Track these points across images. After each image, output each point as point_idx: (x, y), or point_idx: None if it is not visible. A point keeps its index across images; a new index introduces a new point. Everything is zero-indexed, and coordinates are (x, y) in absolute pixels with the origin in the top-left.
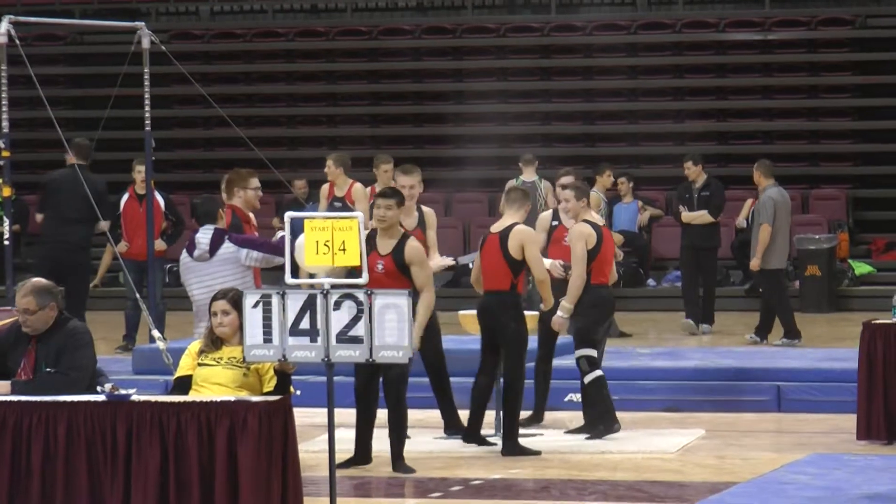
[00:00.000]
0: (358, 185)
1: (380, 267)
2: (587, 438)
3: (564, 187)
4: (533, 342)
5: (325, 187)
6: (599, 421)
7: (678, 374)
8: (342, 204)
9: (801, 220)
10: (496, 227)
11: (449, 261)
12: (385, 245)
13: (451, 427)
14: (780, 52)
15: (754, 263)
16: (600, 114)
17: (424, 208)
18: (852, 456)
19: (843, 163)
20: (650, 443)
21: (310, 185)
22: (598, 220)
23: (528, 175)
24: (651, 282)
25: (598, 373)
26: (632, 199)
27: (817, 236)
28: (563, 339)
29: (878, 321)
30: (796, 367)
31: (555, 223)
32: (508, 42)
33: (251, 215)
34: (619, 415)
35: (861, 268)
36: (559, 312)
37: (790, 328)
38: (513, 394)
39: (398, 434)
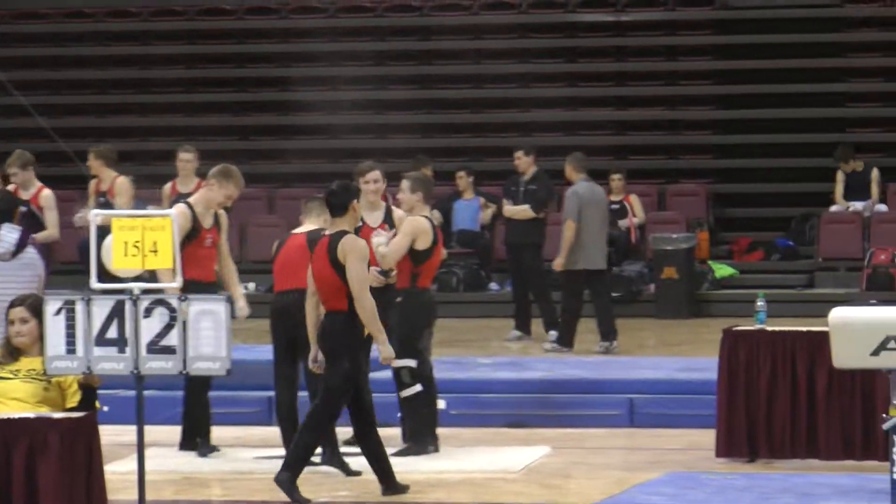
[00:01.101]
0: (122, 179)
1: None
2: (407, 454)
3: (377, 181)
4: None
5: (93, 182)
6: (411, 439)
7: (522, 387)
8: (105, 199)
9: (658, 218)
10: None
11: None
12: None
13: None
14: (635, 34)
15: (558, 263)
16: (440, 102)
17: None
18: (711, 475)
19: (703, 155)
20: (491, 461)
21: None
22: (437, 217)
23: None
24: (494, 286)
25: (418, 387)
26: (473, 196)
27: (674, 235)
28: None
29: (739, 328)
30: (650, 379)
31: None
32: (340, 24)
33: None
34: (458, 431)
35: (722, 270)
36: None
37: (567, 335)
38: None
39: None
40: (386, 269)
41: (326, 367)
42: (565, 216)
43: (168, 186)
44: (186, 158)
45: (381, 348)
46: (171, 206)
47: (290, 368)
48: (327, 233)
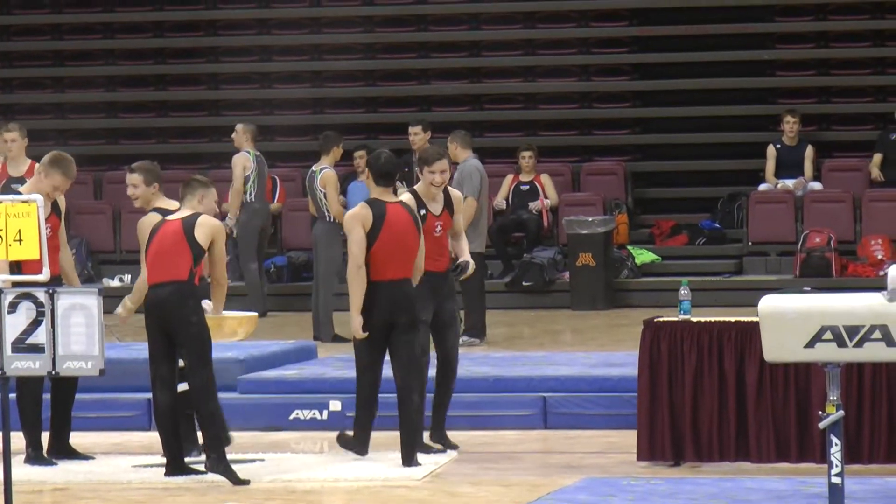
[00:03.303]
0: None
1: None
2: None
3: (132, 170)
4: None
5: None
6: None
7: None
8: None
9: (572, 200)
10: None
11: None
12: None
13: None
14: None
15: None
16: (330, 75)
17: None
18: (632, 480)
19: (619, 130)
20: (392, 468)
21: None
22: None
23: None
24: None
25: None
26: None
27: (590, 219)
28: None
29: (662, 318)
30: (564, 375)
31: (422, 211)
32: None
33: None
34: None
35: (643, 255)
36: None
37: (476, 324)
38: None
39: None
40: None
41: (408, 335)
42: (465, 193)
43: None
44: (10, 138)
45: None
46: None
47: (168, 367)
48: (391, 200)
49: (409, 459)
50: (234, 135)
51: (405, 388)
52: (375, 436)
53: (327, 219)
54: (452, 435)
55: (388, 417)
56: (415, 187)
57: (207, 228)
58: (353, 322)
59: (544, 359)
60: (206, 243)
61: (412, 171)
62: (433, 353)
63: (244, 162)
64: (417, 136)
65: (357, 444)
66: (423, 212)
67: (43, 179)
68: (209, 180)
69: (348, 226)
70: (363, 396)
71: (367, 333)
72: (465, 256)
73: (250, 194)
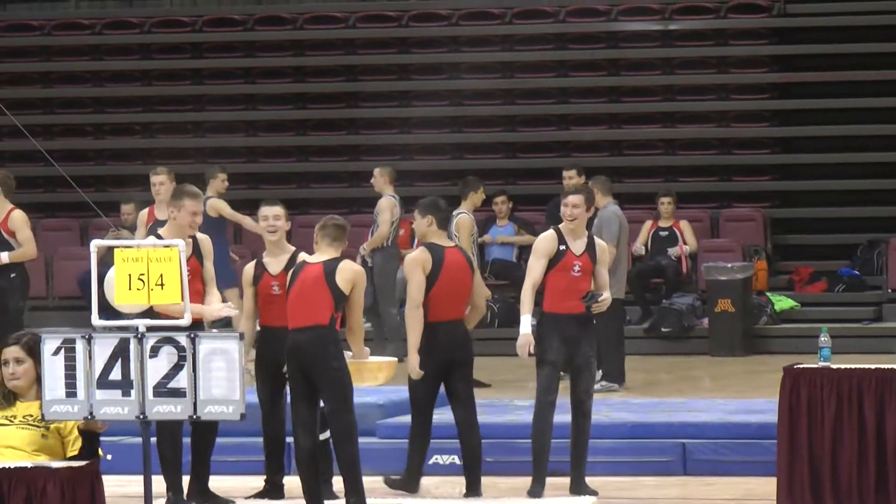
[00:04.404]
0: (18, 212)
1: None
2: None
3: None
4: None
5: None
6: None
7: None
8: None
9: (711, 246)
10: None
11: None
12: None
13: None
14: (684, 44)
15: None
16: (470, 120)
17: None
18: None
19: (759, 176)
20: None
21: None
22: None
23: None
24: (534, 321)
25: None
26: (507, 222)
27: (729, 265)
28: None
29: (801, 365)
30: (704, 422)
31: (562, 247)
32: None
33: None
34: (493, 480)
35: (782, 302)
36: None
37: (613, 370)
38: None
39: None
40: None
41: (465, 371)
42: (605, 239)
43: (145, 212)
44: (159, 181)
45: None
46: (147, 234)
47: (308, 411)
48: (448, 245)
49: (474, 487)
50: (373, 179)
51: (466, 423)
52: (506, 482)
53: None
54: (591, 480)
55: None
56: (560, 225)
57: (349, 274)
58: (410, 361)
59: (683, 405)
60: (348, 289)
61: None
62: (563, 398)
63: (392, 207)
64: (572, 181)
65: (408, 484)
66: (562, 247)
67: (178, 214)
68: (345, 222)
69: (409, 269)
70: (417, 434)
71: (423, 372)
72: (604, 290)
73: (390, 238)
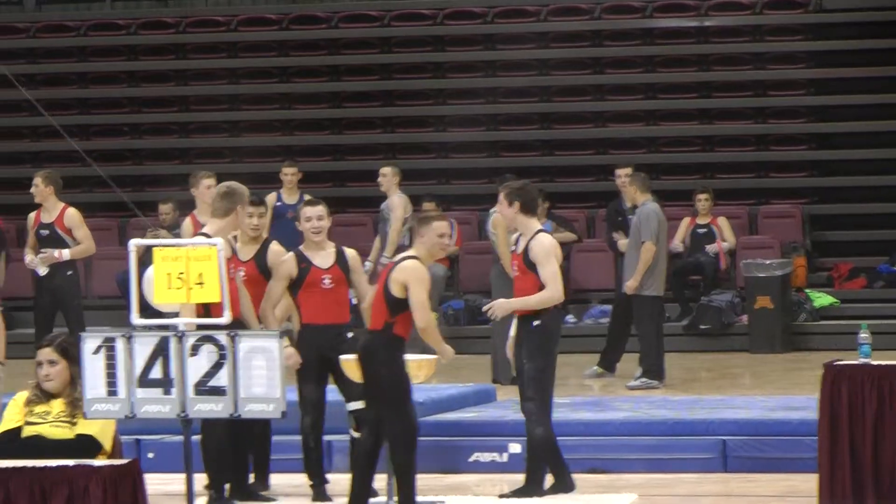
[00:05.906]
0: (72, 210)
1: None
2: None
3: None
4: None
5: (32, 215)
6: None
7: (604, 429)
8: (50, 231)
9: (750, 243)
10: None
11: None
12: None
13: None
14: (720, 41)
15: (631, 285)
16: (505, 118)
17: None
18: None
19: (797, 172)
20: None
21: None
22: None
23: None
24: (569, 318)
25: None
26: (545, 220)
27: (768, 261)
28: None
29: (841, 362)
30: (745, 419)
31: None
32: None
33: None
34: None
35: (821, 299)
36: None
37: (653, 366)
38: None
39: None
40: None
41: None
42: (643, 237)
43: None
44: (209, 184)
45: None
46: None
47: (372, 412)
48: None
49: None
50: (381, 178)
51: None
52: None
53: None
54: (630, 477)
55: None
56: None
57: (399, 274)
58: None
59: (723, 402)
60: (400, 293)
61: (628, 219)
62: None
63: (405, 204)
64: (628, 179)
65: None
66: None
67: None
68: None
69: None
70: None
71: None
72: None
73: (406, 238)
